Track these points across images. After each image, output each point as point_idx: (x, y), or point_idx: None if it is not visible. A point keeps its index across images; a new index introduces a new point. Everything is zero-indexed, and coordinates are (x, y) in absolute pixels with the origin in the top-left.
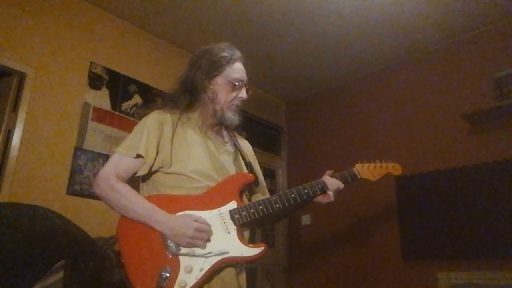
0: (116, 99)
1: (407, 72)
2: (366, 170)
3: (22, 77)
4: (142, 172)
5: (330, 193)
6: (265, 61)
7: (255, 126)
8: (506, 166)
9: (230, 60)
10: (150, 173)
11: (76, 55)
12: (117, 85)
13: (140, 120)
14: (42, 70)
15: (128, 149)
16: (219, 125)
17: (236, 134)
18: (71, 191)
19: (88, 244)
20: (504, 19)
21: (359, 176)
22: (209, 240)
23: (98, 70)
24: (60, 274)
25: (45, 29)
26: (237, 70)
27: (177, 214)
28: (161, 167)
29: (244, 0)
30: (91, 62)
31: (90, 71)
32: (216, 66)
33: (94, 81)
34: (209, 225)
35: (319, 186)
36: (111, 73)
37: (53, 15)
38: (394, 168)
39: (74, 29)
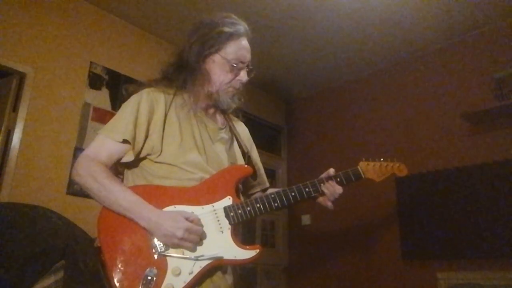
0: (116, 99)
1: (407, 72)
2: (371, 170)
3: (22, 77)
4: (128, 158)
5: (329, 203)
6: (265, 61)
7: (255, 126)
8: (506, 166)
9: (231, 36)
10: (137, 160)
11: (76, 55)
12: (117, 85)
13: (129, 97)
14: (42, 70)
15: (113, 131)
16: (214, 107)
17: (232, 117)
18: (71, 191)
19: (88, 244)
20: (504, 19)
21: (363, 176)
22: (200, 241)
23: (98, 70)
24: (60, 274)
25: (45, 29)
26: (238, 48)
27: (165, 209)
28: (150, 154)
29: (245, 0)
30: (91, 62)
31: (90, 71)
32: (213, 42)
33: (94, 81)
34: (202, 225)
35: (321, 185)
36: (111, 73)
37: (53, 15)
38: (400, 169)
39: (74, 29)
